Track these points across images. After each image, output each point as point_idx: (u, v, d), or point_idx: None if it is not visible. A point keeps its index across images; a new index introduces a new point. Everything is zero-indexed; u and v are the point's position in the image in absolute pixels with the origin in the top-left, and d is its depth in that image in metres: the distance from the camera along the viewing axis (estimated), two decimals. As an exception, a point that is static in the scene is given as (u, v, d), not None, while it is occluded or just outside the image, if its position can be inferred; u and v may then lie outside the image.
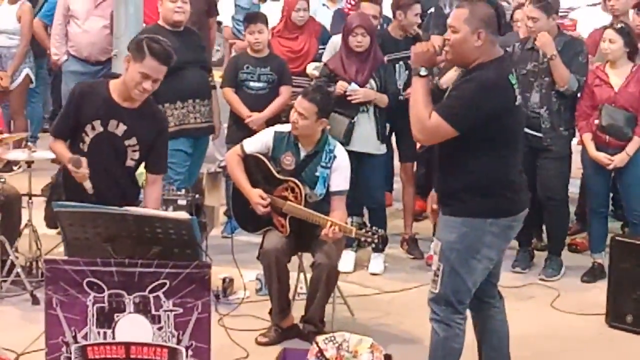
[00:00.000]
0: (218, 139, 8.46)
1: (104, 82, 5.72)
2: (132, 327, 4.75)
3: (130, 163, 5.67)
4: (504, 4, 7.92)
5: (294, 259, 6.42)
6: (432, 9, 8.31)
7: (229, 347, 6.03)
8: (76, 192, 5.49)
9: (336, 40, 7.75)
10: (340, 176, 6.30)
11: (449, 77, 6.20)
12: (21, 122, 9.91)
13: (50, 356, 4.79)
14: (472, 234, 4.94)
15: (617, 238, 6.84)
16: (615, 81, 7.28)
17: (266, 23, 7.90)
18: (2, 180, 7.07)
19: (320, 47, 8.32)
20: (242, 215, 6.43)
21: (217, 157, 9.33)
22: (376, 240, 5.97)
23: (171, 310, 4.73)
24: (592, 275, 7.56)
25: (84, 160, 5.49)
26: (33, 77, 9.97)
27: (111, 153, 5.55)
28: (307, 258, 6.38)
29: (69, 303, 4.73)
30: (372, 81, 7.37)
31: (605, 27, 7.51)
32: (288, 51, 8.36)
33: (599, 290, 7.07)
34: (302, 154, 6.32)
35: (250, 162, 6.36)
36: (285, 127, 6.41)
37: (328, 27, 8.84)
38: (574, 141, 7.67)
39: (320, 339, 5.56)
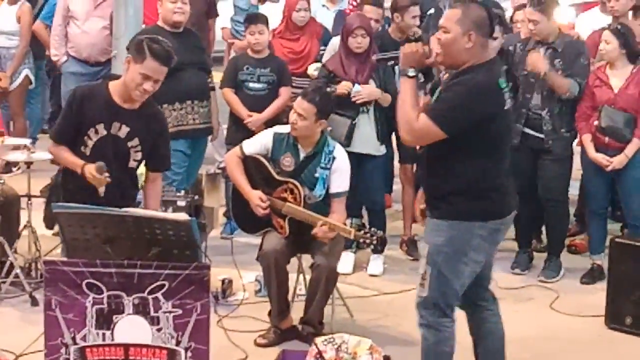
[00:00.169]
0: (217, 140, 8.46)
1: (103, 84, 5.71)
2: (131, 328, 4.74)
3: (132, 164, 5.67)
4: (498, 11, 7.91)
5: (293, 260, 6.42)
6: (432, 10, 8.32)
7: (228, 349, 6.02)
8: (75, 193, 5.48)
9: (336, 41, 7.75)
10: (339, 178, 6.30)
11: None
12: (20, 123, 9.90)
13: (49, 357, 4.78)
14: (459, 237, 4.92)
15: (616, 240, 6.84)
16: (615, 83, 7.28)
17: (267, 24, 7.91)
18: (1, 181, 7.07)
19: (322, 48, 8.32)
20: (242, 216, 6.43)
21: (217, 158, 9.33)
22: (375, 242, 5.97)
23: (170, 312, 4.72)
24: (591, 276, 7.56)
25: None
26: (32, 78, 9.96)
27: (114, 155, 5.54)
28: (307, 259, 6.38)
29: (68, 304, 4.72)
30: (371, 82, 7.37)
31: (604, 29, 7.51)
32: (289, 52, 8.37)
33: (598, 292, 7.07)
34: (302, 155, 6.32)
35: (249, 164, 6.36)
36: (284, 128, 6.41)
37: (327, 27, 8.83)
38: (574, 142, 7.66)
39: (319, 340, 5.56)
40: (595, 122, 7.28)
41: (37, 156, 6.94)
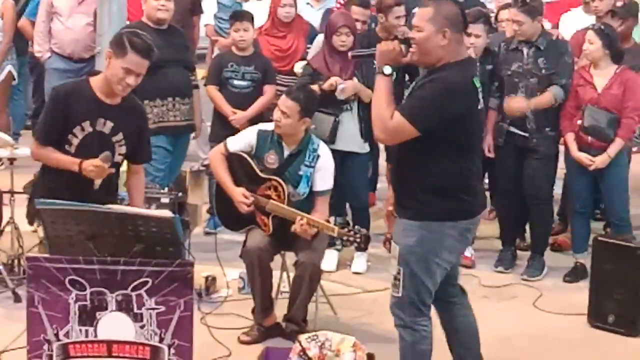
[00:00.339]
0: (201, 137, 8.45)
1: (84, 80, 5.68)
2: (114, 325, 4.73)
3: (118, 159, 5.65)
4: (484, 10, 7.94)
5: (277, 257, 6.42)
6: (416, 9, 8.31)
7: (212, 346, 6.02)
8: (57, 192, 5.42)
9: (322, 39, 7.75)
10: (324, 176, 6.30)
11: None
12: (3, 120, 9.86)
13: (31, 354, 4.76)
14: (431, 237, 4.91)
15: (599, 238, 6.86)
16: (599, 82, 7.30)
17: (252, 21, 7.90)
18: (-16, 177, 7.04)
19: (308, 46, 8.32)
20: (226, 213, 6.43)
21: (201, 155, 9.31)
22: (359, 240, 5.96)
23: (153, 309, 4.71)
24: (574, 275, 7.58)
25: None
26: (15, 74, 9.92)
27: (100, 151, 5.51)
28: (290, 257, 6.38)
29: (50, 301, 4.71)
30: (355, 80, 7.37)
31: (587, 29, 7.53)
32: (276, 50, 8.37)
33: (581, 290, 7.09)
34: (286, 152, 6.31)
35: (233, 161, 6.36)
36: (269, 126, 6.41)
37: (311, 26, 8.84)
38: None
39: (302, 337, 5.55)
40: (579, 122, 7.30)
41: (21, 152, 6.91)
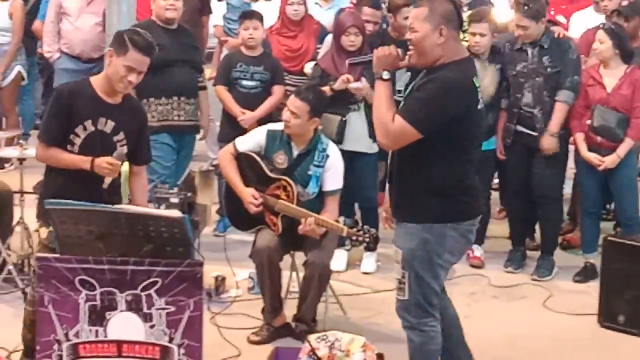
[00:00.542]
0: (210, 137, 8.44)
1: (86, 80, 5.68)
2: (124, 325, 4.73)
3: (121, 151, 5.63)
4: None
5: (287, 257, 6.42)
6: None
7: (221, 346, 6.02)
8: (63, 191, 5.41)
9: (331, 39, 7.75)
10: (333, 175, 6.30)
11: None
12: (13, 120, 9.87)
13: (41, 354, 4.77)
14: (433, 239, 4.88)
15: (609, 238, 6.84)
16: (609, 82, 7.29)
17: (261, 21, 7.90)
18: (-6, 177, 7.06)
19: (319, 46, 8.31)
20: (235, 213, 6.43)
21: (210, 155, 9.31)
22: (368, 239, 5.96)
23: (163, 309, 4.71)
24: (584, 275, 7.57)
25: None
26: (25, 75, 9.95)
27: (101, 151, 5.51)
28: (300, 257, 6.38)
29: (60, 301, 4.71)
30: (363, 79, 7.36)
31: (598, 28, 7.51)
32: (287, 50, 8.35)
33: (591, 291, 7.08)
34: (295, 152, 6.31)
35: (243, 161, 6.36)
36: (278, 126, 6.41)
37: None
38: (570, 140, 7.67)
39: (312, 337, 5.55)
40: (588, 122, 7.29)
41: (30, 152, 6.90)
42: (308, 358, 5.46)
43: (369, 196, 7.67)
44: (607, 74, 7.31)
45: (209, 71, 8.49)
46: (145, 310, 4.72)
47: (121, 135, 5.52)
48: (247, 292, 6.97)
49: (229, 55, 8.34)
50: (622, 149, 7.22)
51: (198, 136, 8.01)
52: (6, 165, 9.46)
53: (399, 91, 7.64)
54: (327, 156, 6.30)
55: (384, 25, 8.26)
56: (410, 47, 4.89)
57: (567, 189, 8.23)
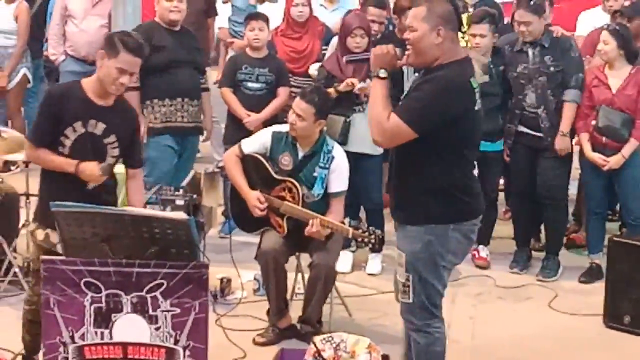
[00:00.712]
0: (216, 139, 8.44)
1: (77, 82, 5.69)
2: (129, 327, 4.74)
3: (110, 161, 5.62)
4: (491, 10, 7.93)
5: (292, 259, 6.42)
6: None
7: (227, 348, 6.02)
8: (55, 192, 5.40)
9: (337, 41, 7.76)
10: (338, 177, 6.31)
11: None
12: (18, 122, 9.88)
13: (47, 356, 4.78)
14: (436, 241, 4.87)
15: (614, 239, 6.84)
16: (614, 83, 7.28)
17: (267, 22, 7.91)
18: (0, 180, 7.06)
19: (324, 47, 8.31)
20: (240, 215, 6.43)
21: (215, 157, 9.32)
22: (373, 241, 5.96)
23: (168, 311, 4.71)
24: (589, 275, 7.57)
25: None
26: (30, 77, 9.95)
27: (92, 153, 5.50)
28: (305, 258, 6.38)
29: (66, 303, 4.72)
30: (368, 81, 7.36)
31: (602, 28, 7.51)
32: (291, 51, 8.35)
33: (597, 291, 7.07)
34: (300, 154, 6.32)
35: (248, 163, 6.37)
36: (283, 127, 6.41)
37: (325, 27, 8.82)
38: (573, 141, 7.66)
39: (317, 339, 5.56)
40: (593, 122, 7.29)
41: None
42: (313, 359, 5.47)
43: (374, 198, 7.67)
44: (612, 75, 7.31)
45: (215, 73, 8.49)
46: (150, 312, 4.72)
47: (112, 138, 5.51)
48: (252, 293, 6.97)
49: (234, 57, 8.34)
50: (627, 150, 7.22)
51: (201, 138, 8.01)
52: (12, 167, 9.47)
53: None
54: (333, 158, 6.30)
55: (391, 27, 8.27)
56: (408, 46, 4.89)
57: (572, 190, 8.23)
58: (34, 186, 6.89)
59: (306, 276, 6.36)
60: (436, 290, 4.98)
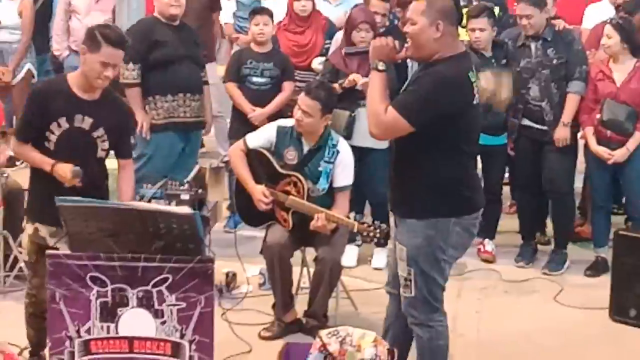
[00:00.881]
0: (221, 134, 8.43)
1: (62, 77, 5.70)
2: (135, 321, 4.74)
3: (101, 154, 5.60)
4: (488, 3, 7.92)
5: (297, 253, 6.42)
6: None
7: (232, 342, 6.03)
8: (51, 189, 5.40)
9: (341, 35, 7.75)
10: (343, 171, 6.30)
11: None
12: (23, 118, 9.89)
13: (53, 350, 4.78)
14: (437, 235, 4.88)
15: (620, 232, 6.84)
16: (618, 76, 7.28)
17: (271, 17, 7.90)
18: (5, 175, 7.06)
19: (327, 41, 8.31)
20: (246, 209, 6.43)
21: (220, 152, 9.32)
22: (379, 235, 5.96)
23: (174, 305, 4.72)
24: (595, 269, 7.56)
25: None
26: (35, 72, 9.96)
27: (81, 148, 5.49)
28: (310, 252, 6.38)
29: (72, 297, 4.72)
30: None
31: (605, 22, 7.50)
32: (294, 45, 8.35)
33: (603, 285, 7.07)
34: (305, 148, 6.31)
35: (253, 157, 6.36)
36: (288, 122, 6.41)
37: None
38: (578, 135, 7.65)
39: (323, 333, 5.55)
40: (598, 116, 7.28)
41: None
42: (319, 353, 5.46)
43: (379, 192, 7.65)
44: (616, 69, 7.30)
45: (221, 68, 8.48)
46: (156, 306, 4.73)
47: (101, 131, 5.51)
48: (258, 288, 6.98)
49: (238, 51, 8.34)
50: (632, 143, 7.21)
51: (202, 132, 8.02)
52: (17, 163, 9.47)
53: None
54: (338, 152, 6.30)
55: (395, 21, 8.26)
56: (407, 39, 4.89)
57: (578, 183, 8.22)
58: (39, 181, 6.91)
59: (311, 270, 6.36)
60: (438, 284, 4.99)
